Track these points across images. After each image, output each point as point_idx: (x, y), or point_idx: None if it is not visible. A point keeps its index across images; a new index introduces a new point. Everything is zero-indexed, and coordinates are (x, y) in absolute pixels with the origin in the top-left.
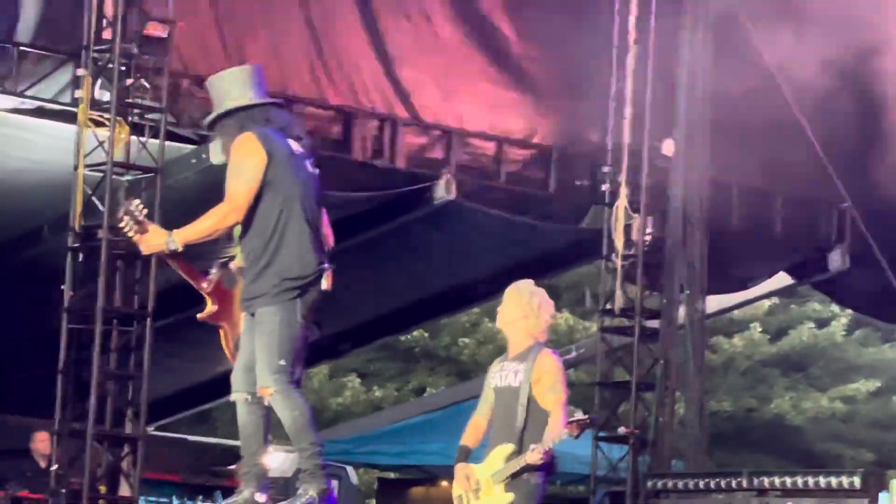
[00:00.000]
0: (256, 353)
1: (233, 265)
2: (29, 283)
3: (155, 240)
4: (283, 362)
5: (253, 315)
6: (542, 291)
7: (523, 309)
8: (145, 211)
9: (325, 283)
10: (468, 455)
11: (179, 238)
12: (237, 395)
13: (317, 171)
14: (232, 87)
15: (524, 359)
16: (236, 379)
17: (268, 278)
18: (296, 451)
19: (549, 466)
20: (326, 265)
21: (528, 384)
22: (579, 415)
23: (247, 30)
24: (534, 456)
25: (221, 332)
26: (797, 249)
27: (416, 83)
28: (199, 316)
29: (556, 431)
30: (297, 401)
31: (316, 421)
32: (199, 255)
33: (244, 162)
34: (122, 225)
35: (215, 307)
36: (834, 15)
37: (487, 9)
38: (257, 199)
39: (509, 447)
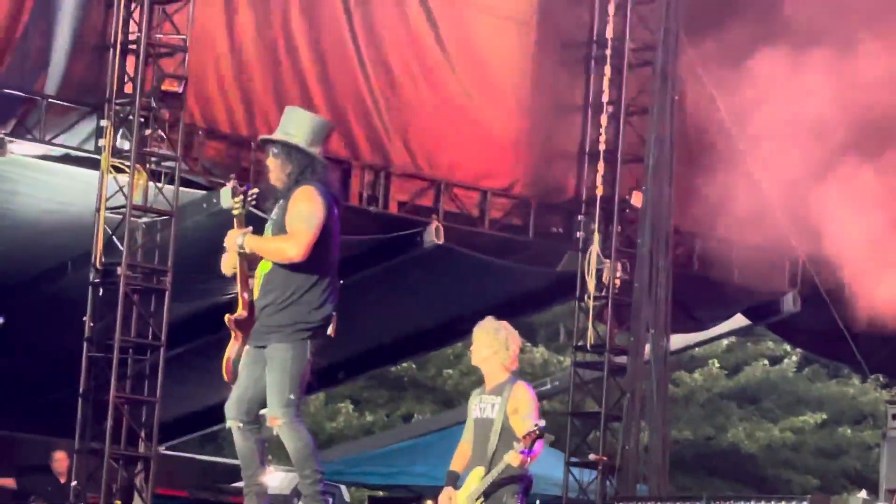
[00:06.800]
0: (268, 386)
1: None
2: (54, 314)
3: (234, 235)
4: (292, 396)
5: (262, 348)
6: (506, 325)
7: (492, 345)
8: (254, 202)
9: (331, 329)
10: (456, 480)
11: (249, 241)
12: (231, 423)
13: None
14: (308, 131)
15: (500, 392)
16: (230, 408)
17: (285, 317)
18: (296, 474)
19: (526, 488)
20: (334, 314)
21: (503, 414)
22: (530, 426)
23: (254, 88)
24: (514, 457)
25: (230, 344)
26: (753, 293)
27: (410, 136)
28: (227, 317)
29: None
30: (301, 432)
31: (318, 450)
32: (208, 290)
33: (314, 212)
34: (234, 200)
35: (245, 314)
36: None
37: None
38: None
39: (481, 470)
